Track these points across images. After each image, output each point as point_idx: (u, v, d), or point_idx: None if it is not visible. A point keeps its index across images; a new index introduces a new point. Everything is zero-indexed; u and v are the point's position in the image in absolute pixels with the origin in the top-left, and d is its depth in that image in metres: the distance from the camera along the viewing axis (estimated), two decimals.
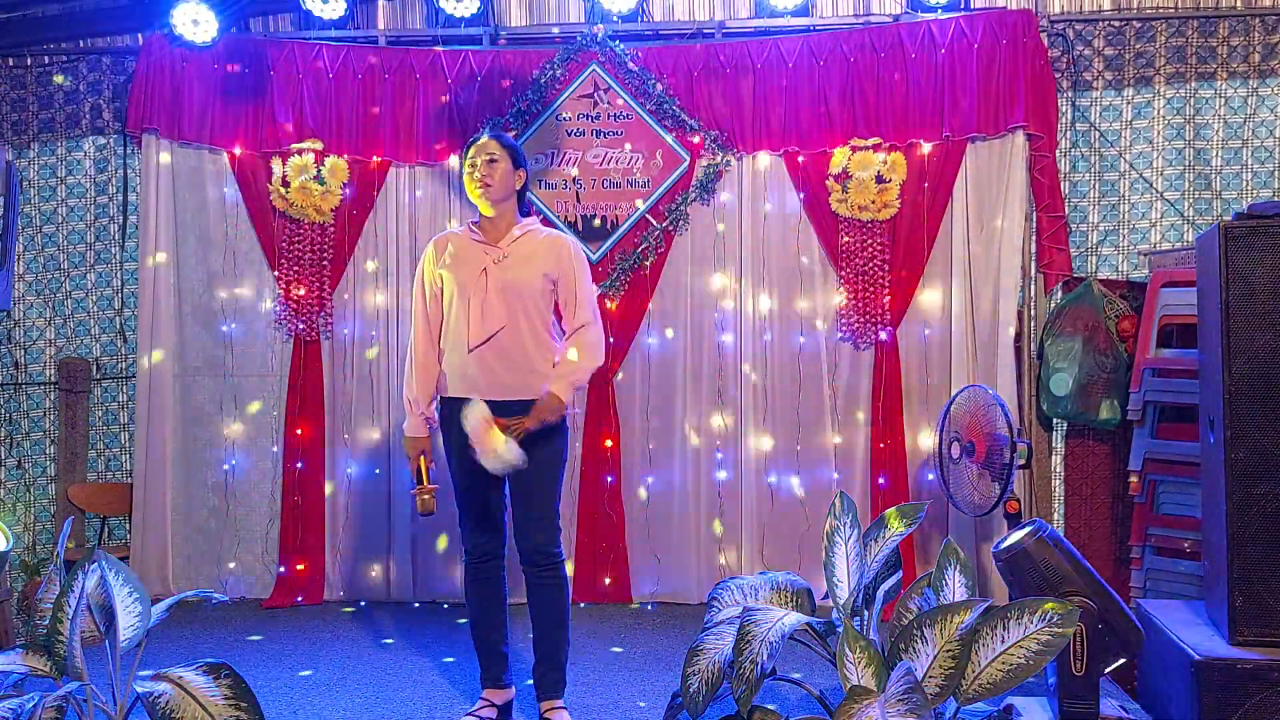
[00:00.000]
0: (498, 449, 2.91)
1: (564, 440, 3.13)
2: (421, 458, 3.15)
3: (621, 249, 4.71)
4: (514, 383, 3.04)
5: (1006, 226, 4.50)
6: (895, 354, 4.59)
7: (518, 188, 3.16)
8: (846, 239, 4.59)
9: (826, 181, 4.59)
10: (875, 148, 4.54)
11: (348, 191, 4.75)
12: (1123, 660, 2.61)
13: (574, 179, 4.73)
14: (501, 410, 3.03)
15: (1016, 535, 2.64)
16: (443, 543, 4.68)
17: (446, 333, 3.13)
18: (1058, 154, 4.58)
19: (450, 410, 3.11)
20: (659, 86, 4.64)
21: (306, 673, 3.71)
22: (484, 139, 3.13)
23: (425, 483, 3.12)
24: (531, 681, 3.17)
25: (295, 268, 4.75)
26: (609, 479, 4.66)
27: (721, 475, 4.68)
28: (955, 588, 2.29)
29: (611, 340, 4.65)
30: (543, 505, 3.07)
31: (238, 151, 4.76)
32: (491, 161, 3.08)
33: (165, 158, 4.75)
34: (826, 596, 2.33)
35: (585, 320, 3.12)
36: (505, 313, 3.03)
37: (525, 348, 3.04)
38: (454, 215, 4.75)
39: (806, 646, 2.20)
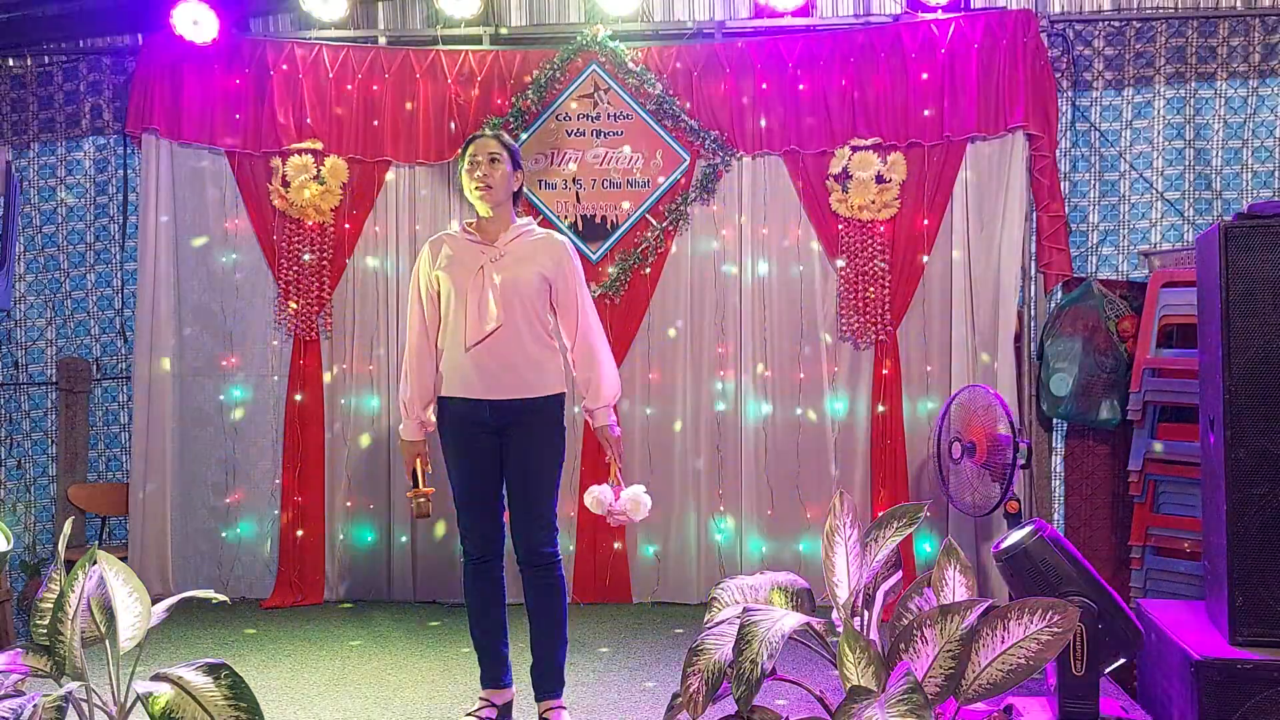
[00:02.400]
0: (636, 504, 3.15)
1: (562, 441, 3.13)
2: (418, 461, 3.15)
3: (621, 249, 4.71)
4: (511, 381, 3.04)
5: (1006, 226, 4.50)
6: (895, 354, 4.59)
7: (515, 189, 3.16)
8: (846, 239, 4.59)
9: (826, 181, 4.60)
10: (875, 148, 4.54)
11: (348, 191, 4.75)
12: (1123, 660, 2.61)
13: (574, 179, 4.73)
14: (499, 409, 3.03)
15: (1016, 535, 2.64)
16: (442, 543, 4.68)
17: (444, 333, 3.13)
18: (1058, 154, 4.58)
19: (448, 410, 3.12)
20: (659, 86, 4.64)
21: (306, 673, 3.71)
22: (484, 137, 3.13)
23: (421, 486, 3.12)
24: (530, 681, 3.17)
25: (295, 267, 4.75)
26: (609, 479, 4.65)
27: (722, 475, 4.68)
28: (955, 588, 2.29)
29: (611, 340, 4.64)
30: (540, 506, 3.07)
31: (238, 151, 4.76)
32: (493, 160, 3.08)
33: (165, 158, 4.75)
34: (826, 596, 2.33)
35: (588, 327, 3.14)
36: (502, 312, 3.03)
37: (522, 346, 3.04)
38: (454, 215, 4.75)
39: (806, 646, 2.19)
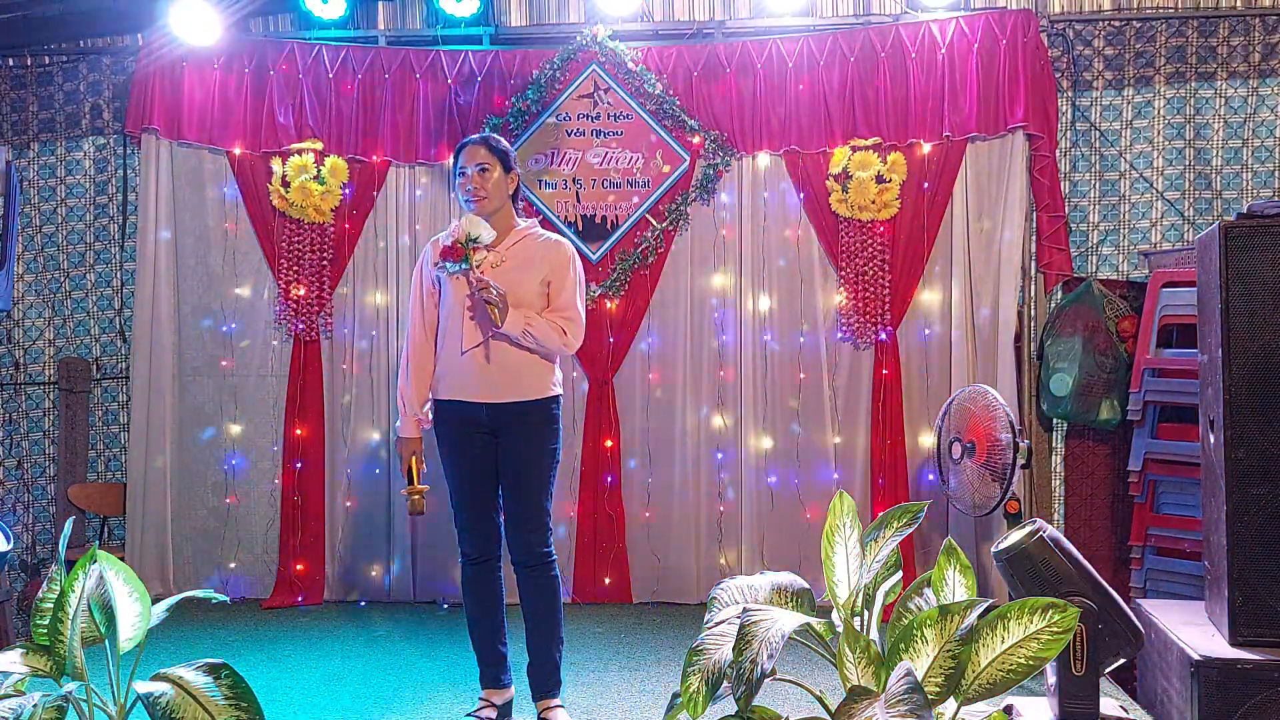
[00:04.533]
0: None
1: (556, 441, 3.13)
2: (413, 458, 3.16)
3: (621, 249, 4.70)
4: (507, 384, 3.05)
5: (1006, 226, 4.51)
6: (895, 354, 4.59)
7: (511, 191, 3.16)
8: (846, 239, 4.59)
9: (826, 181, 4.59)
10: (875, 148, 4.54)
11: (348, 191, 4.75)
12: (1123, 660, 2.61)
13: (574, 179, 4.72)
14: (495, 411, 3.03)
15: (1016, 535, 2.64)
16: (442, 543, 4.68)
17: (441, 335, 3.13)
18: (1058, 154, 4.58)
19: (444, 413, 3.12)
20: (659, 86, 4.64)
21: (306, 673, 3.71)
22: (473, 145, 3.11)
23: (415, 483, 3.13)
24: (528, 681, 3.17)
25: (295, 268, 4.75)
26: (609, 479, 4.66)
27: (721, 475, 4.68)
28: (955, 588, 2.29)
29: (611, 340, 4.65)
30: (534, 507, 3.07)
31: (238, 151, 4.76)
32: (483, 171, 3.06)
33: (165, 158, 4.75)
34: (826, 596, 2.33)
35: (569, 318, 3.10)
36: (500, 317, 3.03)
37: (518, 351, 3.04)
38: (454, 215, 4.75)
39: (806, 646, 2.19)
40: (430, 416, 3.18)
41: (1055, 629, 2.02)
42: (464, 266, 3.00)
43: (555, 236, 3.23)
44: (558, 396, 3.14)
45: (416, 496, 3.12)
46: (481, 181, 3.06)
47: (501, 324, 2.96)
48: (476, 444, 3.08)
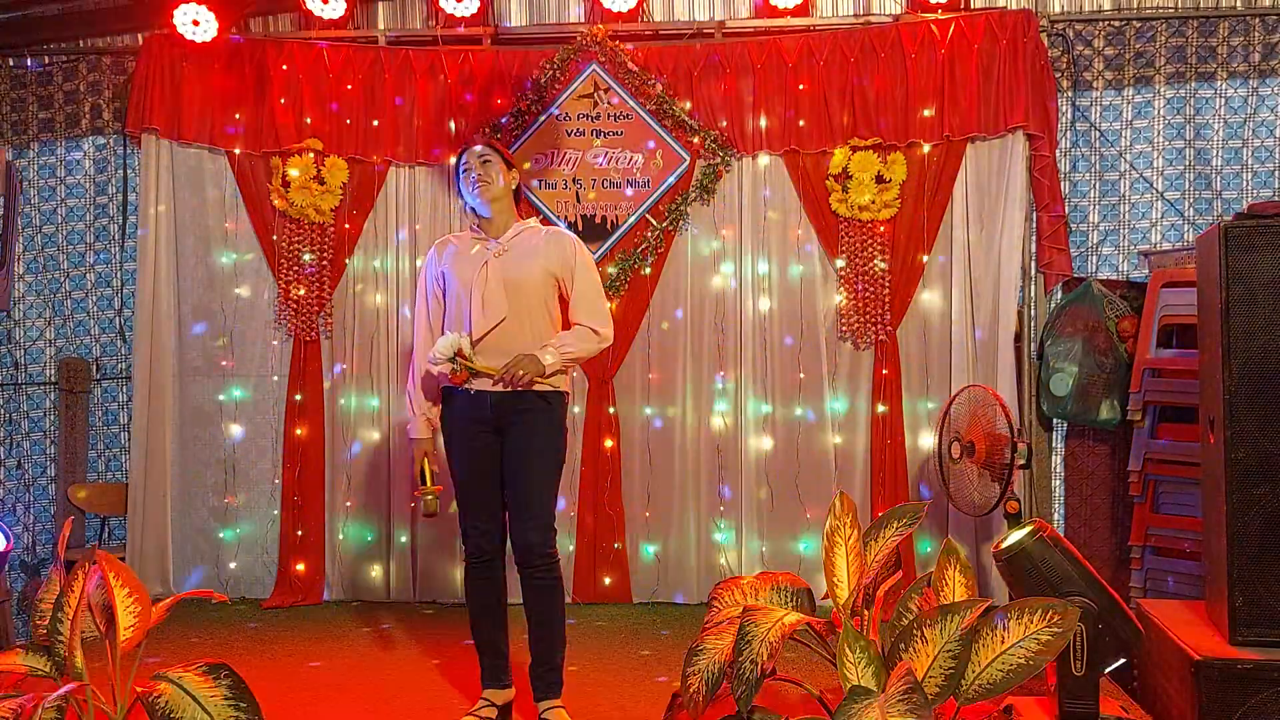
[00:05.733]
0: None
1: (563, 442, 3.14)
2: (425, 459, 3.16)
3: (621, 249, 4.71)
4: None
5: (1006, 226, 4.50)
6: (895, 354, 4.59)
7: (513, 187, 3.21)
8: (846, 239, 4.59)
9: (826, 181, 4.59)
10: (875, 148, 4.54)
11: (348, 191, 4.75)
12: (1123, 660, 2.61)
13: (574, 179, 4.72)
14: (500, 403, 3.04)
15: (1016, 535, 2.64)
16: (442, 543, 4.68)
17: (448, 324, 3.15)
18: (1058, 154, 4.58)
19: (451, 403, 3.13)
20: (659, 86, 4.64)
21: (306, 673, 3.71)
22: (473, 146, 3.21)
23: (429, 484, 3.13)
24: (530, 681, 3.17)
25: (295, 268, 4.75)
26: (609, 479, 4.66)
27: (722, 475, 4.68)
28: (955, 588, 2.29)
29: (611, 340, 4.64)
30: (537, 505, 3.07)
31: (238, 151, 4.76)
32: (485, 161, 3.14)
33: (165, 158, 4.75)
34: (826, 597, 2.33)
35: (592, 315, 3.15)
36: (506, 305, 3.05)
37: (525, 340, 3.05)
38: (454, 215, 4.75)
39: (806, 646, 2.19)
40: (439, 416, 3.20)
41: (1055, 629, 2.02)
42: (475, 374, 3.03)
43: (557, 229, 3.28)
44: (564, 394, 3.15)
45: (430, 497, 3.13)
46: (484, 169, 3.13)
47: (545, 372, 3.00)
48: (481, 441, 3.09)
